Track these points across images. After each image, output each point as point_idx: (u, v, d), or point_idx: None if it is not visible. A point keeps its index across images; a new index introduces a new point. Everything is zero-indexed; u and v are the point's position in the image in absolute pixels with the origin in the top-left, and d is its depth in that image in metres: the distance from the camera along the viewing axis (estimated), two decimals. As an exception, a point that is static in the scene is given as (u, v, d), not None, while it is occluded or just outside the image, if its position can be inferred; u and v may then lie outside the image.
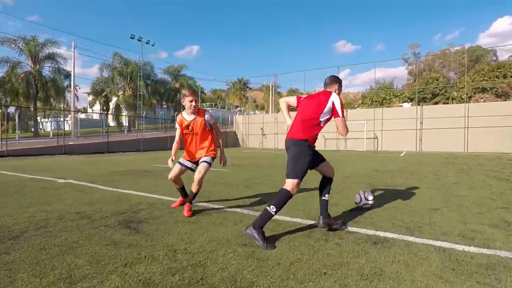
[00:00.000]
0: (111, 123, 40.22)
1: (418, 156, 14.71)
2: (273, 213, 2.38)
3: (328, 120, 2.68)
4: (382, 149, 23.12)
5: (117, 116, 34.02)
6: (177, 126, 3.42)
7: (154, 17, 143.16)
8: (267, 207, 2.41)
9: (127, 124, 36.22)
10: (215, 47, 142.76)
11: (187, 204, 3.24)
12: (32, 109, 29.30)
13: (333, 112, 2.61)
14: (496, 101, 26.40)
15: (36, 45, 27.15)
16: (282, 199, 2.43)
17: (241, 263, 1.97)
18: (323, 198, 2.77)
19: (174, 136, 3.53)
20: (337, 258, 2.08)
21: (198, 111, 3.32)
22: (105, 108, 39.01)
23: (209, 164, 3.32)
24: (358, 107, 36.04)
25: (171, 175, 3.39)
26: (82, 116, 41.34)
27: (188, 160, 3.43)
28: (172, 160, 3.27)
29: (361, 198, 3.51)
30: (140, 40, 21.64)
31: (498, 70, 30.02)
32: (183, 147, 3.47)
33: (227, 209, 3.49)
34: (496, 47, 60.66)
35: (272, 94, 45.69)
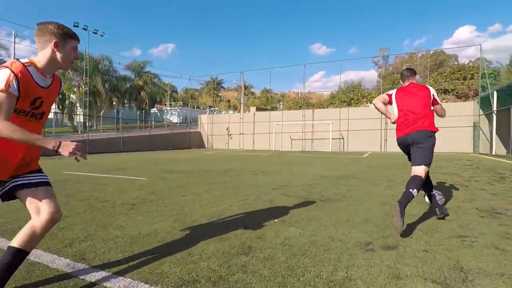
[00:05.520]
0: (69, 123, 37.11)
1: (380, 158, 14.08)
2: (415, 194, 2.79)
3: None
4: (348, 149, 22.62)
5: (70, 115, 31.19)
6: None
7: (126, 11, 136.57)
8: (410, 190, 2.79)
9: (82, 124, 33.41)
10: (191, 46, 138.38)
11: None
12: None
13: (434, 101, 3.27)
14: (457, 101, 26.94)
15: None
16: (419, 183, 2.89)
17: None
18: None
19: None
20: None
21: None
22: (61, 107, 35.84)
23: None
24: (328, 107, 35.75)
25: None
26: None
27: None
28: None
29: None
30: (86, 29, 19.41)
31: (459, 73, 30.82)
32: None
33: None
34: (458, 47, 63.78)
35: (242, 93, 44.55)
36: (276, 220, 3.17)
